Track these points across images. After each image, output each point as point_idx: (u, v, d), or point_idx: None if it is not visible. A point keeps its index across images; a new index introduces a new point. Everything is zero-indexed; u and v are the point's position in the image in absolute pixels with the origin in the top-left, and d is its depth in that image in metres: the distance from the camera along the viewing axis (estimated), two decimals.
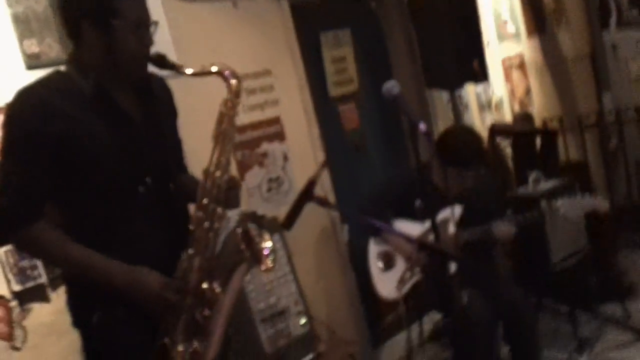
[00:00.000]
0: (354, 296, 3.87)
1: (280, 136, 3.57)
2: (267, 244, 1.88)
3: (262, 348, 3.02)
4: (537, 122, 5.56)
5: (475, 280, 3.00)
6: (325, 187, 3.78)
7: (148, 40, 1.87)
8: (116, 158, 1.79)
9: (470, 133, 3.23)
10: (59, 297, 2.69)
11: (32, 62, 2.72)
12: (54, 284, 2.68)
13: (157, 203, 1.88)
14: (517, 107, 5.43)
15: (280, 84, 3.56)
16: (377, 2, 4.57)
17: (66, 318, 2.67)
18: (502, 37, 5.35)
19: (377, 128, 4.52)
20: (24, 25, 2.76)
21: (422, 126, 2.13)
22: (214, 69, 1.93)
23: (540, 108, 5.68)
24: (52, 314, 2.67)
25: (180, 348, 1.80)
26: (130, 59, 1.84)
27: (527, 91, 5.60)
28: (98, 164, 1.77)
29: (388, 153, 4.50)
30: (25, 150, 1.71)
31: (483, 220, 3.13)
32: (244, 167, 3.36)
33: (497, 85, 5.26)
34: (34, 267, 2.60)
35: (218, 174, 1.87)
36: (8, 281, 2.55)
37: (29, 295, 2.62)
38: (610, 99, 6.51)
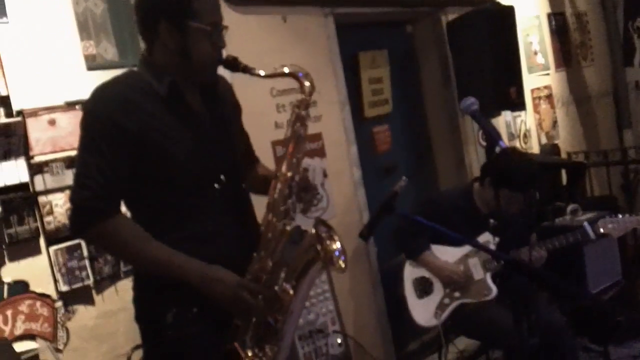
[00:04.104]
0: (383, 318, 3.83)
1: (321, 152, 3.56)
2: (337, 246, 1.84)
3: None
4: (563, 155, 5.56)
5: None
6: (361, 207, 3.76)
7: (221, 43, 1.86)
8: (192, 156, 1.77)
9: (527, 157, 3.19)
10: (103, 301, 2.66)
11: (90, 63, 2.73)
12: (99, 287, 2.65)
13: (230, 201, 1.85)
14: (544, 139, 5.43)
15: (322, 100, 3.55)
16: (413, 26, 4.60)
17: (109, 323, 2.66)
18: (531, 68, 5.38)
19: (408, 151, 4.52)
20: (82, 26, 2.77)
21: (502, 144, 2.13)
22: (287, 70, 1.91)
23: (565, 141, 5.69)
24: (95, 318, 2.64)
25: (250, 352, 1.76)
26: (204, 61, 1.83)
27: (554, 123, 5.61)
28: (175, 161, 1.75)
29: (417, 176, 4.48)
30: (107, 144, 1.69)
31: (516, 245, 3.09)
32: None
33: (526, 116, 5.26)
34: (83, 269, 2.57)
35: (290, 174, 1.85)
36: (56, 281, 2.53)
37: (75, 297, 2.59)
38: (631, 136, 6.56)
